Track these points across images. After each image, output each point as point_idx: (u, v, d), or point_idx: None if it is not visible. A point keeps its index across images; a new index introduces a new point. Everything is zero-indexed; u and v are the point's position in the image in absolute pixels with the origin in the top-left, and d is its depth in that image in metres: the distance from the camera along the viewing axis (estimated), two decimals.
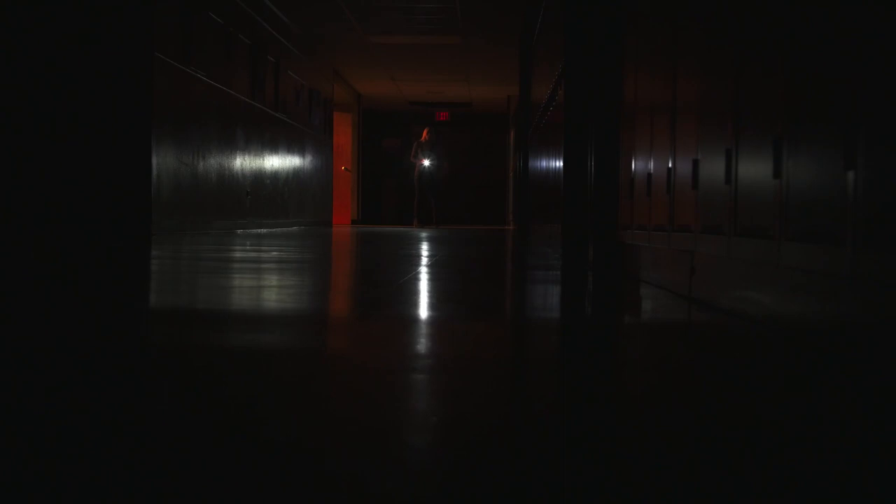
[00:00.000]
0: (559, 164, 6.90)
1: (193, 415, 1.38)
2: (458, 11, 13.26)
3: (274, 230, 13.16)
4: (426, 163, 18.61)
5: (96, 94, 8.57)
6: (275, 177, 13.69)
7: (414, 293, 3.34)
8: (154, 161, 8.73)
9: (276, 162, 13.72)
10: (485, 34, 14.80)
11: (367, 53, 16.82)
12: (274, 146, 13.59)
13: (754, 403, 1.55)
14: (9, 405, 1.42)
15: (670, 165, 3.66)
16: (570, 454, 1.21)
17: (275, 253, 6.49)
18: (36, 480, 1.03)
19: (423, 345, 2.12)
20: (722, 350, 2.21)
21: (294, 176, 15.02)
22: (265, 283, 3.85)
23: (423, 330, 2.36)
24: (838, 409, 1.53)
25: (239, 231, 11.58)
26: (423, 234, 12.56)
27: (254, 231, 12.16)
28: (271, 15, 13.23)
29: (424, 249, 7.43)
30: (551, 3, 8.81)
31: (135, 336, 2.27)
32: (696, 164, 3.24)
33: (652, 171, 4.05)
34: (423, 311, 2.77)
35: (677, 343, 2.40)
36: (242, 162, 11.86)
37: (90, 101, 8.57)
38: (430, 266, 5.03)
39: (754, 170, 2.58)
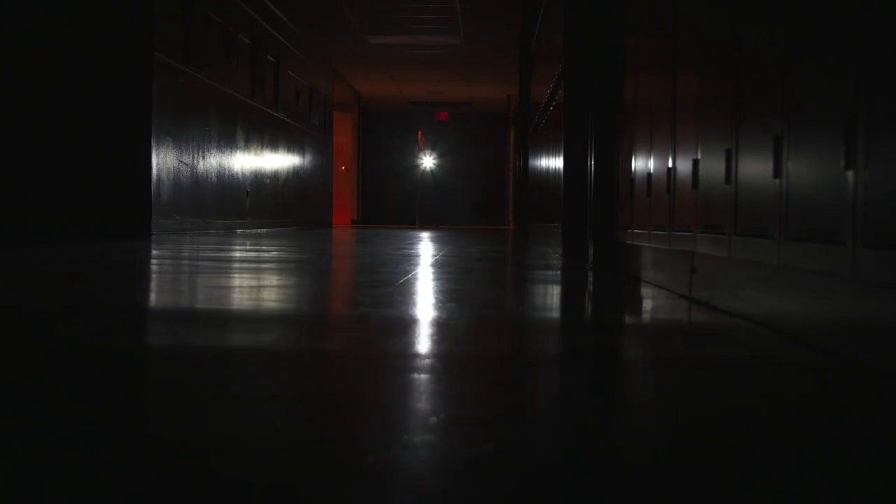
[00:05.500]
0: (559, 164, 6.90)
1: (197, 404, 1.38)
2: (458, 11, 13.26)
3: (274, 230, 13.16)
4: (427, 164, 18.75)
5: (96, 94, 8.57)
6: (274, 177, 13.68)
7: (416, 293, 3.34)
8: (154, 161, 8.73)
9: (275, 162, 13.72)
10: (485, 34, 14.80)
11: (367, 53, 16.82)
12: (274, 146, 13.58)
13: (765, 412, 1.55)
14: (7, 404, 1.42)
15: (670, 165, 3.66)
16: (571, 459, 1.21)
17: (275, 253, 6.49)
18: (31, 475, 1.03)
19: (420, 345, 2.12)
20: (715, 349, 2.21)
21: (294, 176, 15.01)
22: (268, 283, 3.86)
23: (423, 330, 2.36)
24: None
25: (239, 231, 11.58)
26: (425, 235, 12.57)
27: (254, 231, 12.16)
28: (271, 15, 13.23)
29: (426, 250, 7.43)
30: (551, 3, 8.81)
31: (134, 339, 2.27)
32: (695, 163, 3.24)
33: (652, 171, 4.05)
34: (424, 311, 2.78)
35: (676, 342, 2.40)
36: (242, 162, 11.86)
37: (90, 101, 8.57)
38: (433, 265, 5.04)
39: (754, 169, 2.58)
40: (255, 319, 2.66)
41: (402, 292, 3.33)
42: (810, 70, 2.15)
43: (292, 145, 14.85)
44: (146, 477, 1.05)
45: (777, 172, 2.35)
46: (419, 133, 19.38)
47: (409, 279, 3.98)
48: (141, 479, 1.04)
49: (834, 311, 2.05)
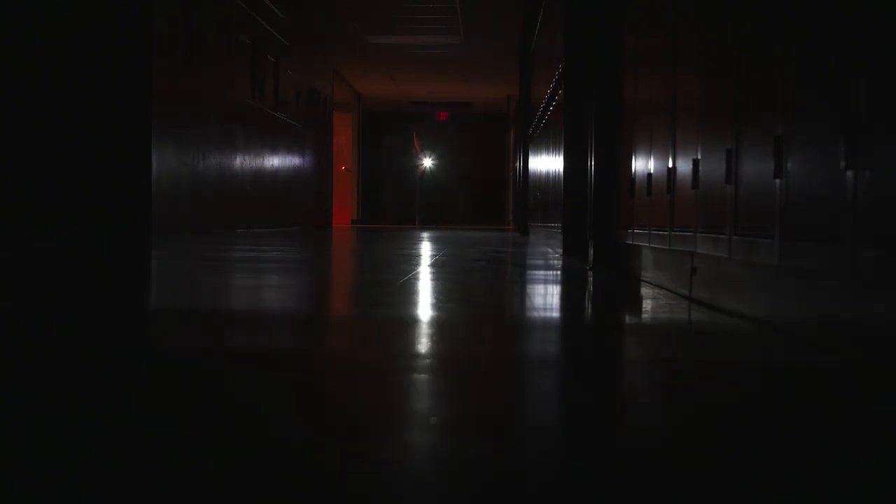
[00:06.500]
0: (559, 164, 6.90)
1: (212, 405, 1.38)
2: (458, 11, 13.26)
3: (273, 230, 13.16)
4: (427, 164, 18.81)
5: (96, 94, 8.57)
6: (275, 177, 13.68)
7: (416, 293, 3.34)
8: (154, 161, 8.73)
9: (275, 162, 13.72)
10: (485, 34, 14.80)
11: (367, 53, 16.82)
12: (273, 146, 13.58)
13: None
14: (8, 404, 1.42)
15: (670, 165, 3.66)
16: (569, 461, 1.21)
17: (275, 253, 6.49)
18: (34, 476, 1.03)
19: (420, 345, 2.12)
20: (716, 349, 2.21)
21: (294, 176, 15.01)
22: (269, 283, 3.86)
23: (422, 330, 2.36)
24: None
25: (238, 231, 11.58)
26: (424, 235, 12.57)
27: (253, 231, 12.16)
28: (271, 15, 13.23)
29: (426, 250, 7.43)
30: (551, 3, 8.81)
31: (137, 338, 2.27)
32: (696, 163, 3.24)
33: (652, 171, 4.05)
34: (424, 311, 2.78)
35: (677, 342, 2.40)
36: (242, 162, 11.85)
37: (90, 102, 8.57)
38: (433, 265, 5.04)
39: (754, 169, 2.58)
40: (255, 319, 2.66)
41: (403, 292, 3.33)
42: (810, 70, 2.15)
43: (292, 145, 14.85)
44: (149, 468, 1.05)
45: (777, 172, 2.35)
46: (414, 135, 19.44)
47: (409, 279, 3.98)
48: (143, 470, 1.04)
49: (834, 310, 2.05)
